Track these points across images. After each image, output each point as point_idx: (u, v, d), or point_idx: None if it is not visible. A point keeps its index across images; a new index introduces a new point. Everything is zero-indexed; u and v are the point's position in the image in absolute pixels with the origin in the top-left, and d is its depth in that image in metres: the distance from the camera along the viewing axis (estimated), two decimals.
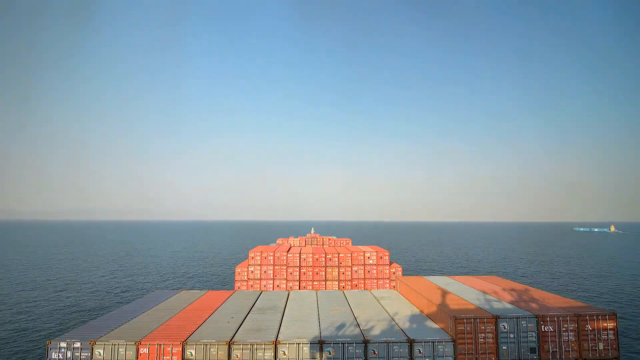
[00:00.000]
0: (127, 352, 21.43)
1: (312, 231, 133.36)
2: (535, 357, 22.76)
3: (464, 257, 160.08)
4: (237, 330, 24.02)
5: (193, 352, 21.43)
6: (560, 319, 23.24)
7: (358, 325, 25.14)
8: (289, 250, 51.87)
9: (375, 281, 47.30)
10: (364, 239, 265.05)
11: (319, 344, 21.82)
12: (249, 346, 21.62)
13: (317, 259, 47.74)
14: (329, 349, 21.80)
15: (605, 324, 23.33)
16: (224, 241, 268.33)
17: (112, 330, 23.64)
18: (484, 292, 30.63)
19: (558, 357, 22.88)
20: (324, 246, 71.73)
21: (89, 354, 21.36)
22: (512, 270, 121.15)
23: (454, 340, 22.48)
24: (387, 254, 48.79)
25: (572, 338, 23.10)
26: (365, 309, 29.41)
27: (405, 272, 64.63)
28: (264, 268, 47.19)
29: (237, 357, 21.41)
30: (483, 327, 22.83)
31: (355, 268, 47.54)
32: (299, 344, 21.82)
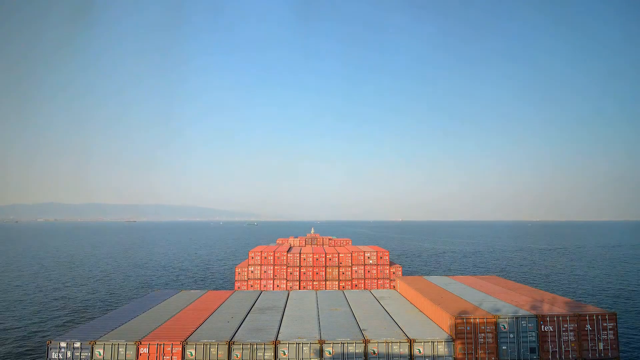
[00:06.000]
0: (127, 352, 21.44)
1: (312, 231, 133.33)
2: (535, 357, 22.78)
3: (464, 257, 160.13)
4: (237, 330, 24.04)
5: (193, 352, 21.45)
6: (560, 319, 23.25)
7: (358, 325, 25.15)
8: (289, 250, 51.91)
9: (375, 281, 47.34)
10: (364, 239, 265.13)
11: (319, 344, 21.83)
12: (249, 346, 21.63)
13: (317, 259, 47.77)
14: (329, 348, 21.81)
15: (605, 324, 23.33)
16: (224, 241, 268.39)
17: (112, 330, 23.65)
18: (484, 292, 30.64)
19: (558, 357, 22.89)
20: (324, 246, 71.76)
21: (89, 353, 21.37)
22: (512, 270, 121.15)
23: (454, 340, 22.50)
24: (387, 253, 48.82)
25: (572, 338, 23.11)
26: (365, 309, 29.42)
27: (405, 272, 64.66)
28: (264, 268, 47.23)
29: (237, 357, 21.43)
30: (483, 327, 22.84)
31: (355, 268, 47.57)
32: (299, 344, 21.83)
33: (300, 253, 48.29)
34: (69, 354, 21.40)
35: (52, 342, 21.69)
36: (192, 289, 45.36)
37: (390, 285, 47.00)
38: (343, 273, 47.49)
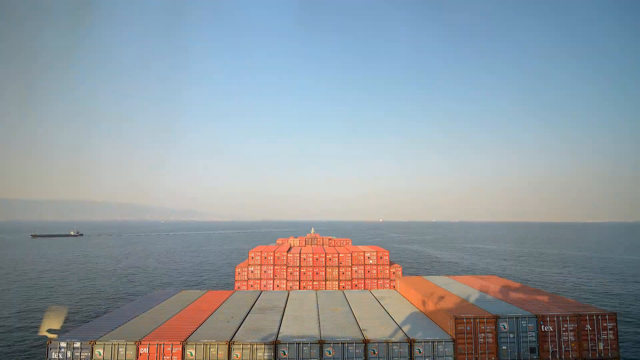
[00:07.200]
0: (127, 352, 21.42)
1: (312, 231, 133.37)
2: (535, 357, 22.75)
3: (464, 257, 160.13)
4: (237, 330, 24.01)
5: (193, 352, 21.43)
6: (560, 319, 23.23)
7: (358, 325, 25.12)
8: (289, 250, 51.90)
9: (375, 281, 47.33)
10: (364, 239, 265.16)
11: (318, 344, 21.81)
12: (249, 346, 21.61)
13: (317, 259, 47.75)
14: (328, 349, 21.79)
15: (605, 324, 23.31)
16: (224, 241, 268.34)
17: (112, 330, 23.62)
18: (484, 292, 30.63)
19: (558, 357, 22.87)
20: (324, 246, 71.76)
21: (89, 353, 21.34)
22: (512, 270, 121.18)
23: (454, 340, 22.47)
24: (387, 253, 48.80)
25: (572, 338, 23.09)
26: (365, 309, 29.40)
27: (405, 272, 64.70)
28: (264, 268, 47.21)
29: (237, 357, 21.41)
30: (483, 327, 22.82)
31: (355, 268, 47.55)
32: (299, 343, 21.82)
33: (300, 253, 48.27)
34: (69, 354, 21.37)
35: (52, 342, 21.65)
36: (192, 289, 45.35)
37: (390, 285, 46.98)
38: (343, 273, 47.47)
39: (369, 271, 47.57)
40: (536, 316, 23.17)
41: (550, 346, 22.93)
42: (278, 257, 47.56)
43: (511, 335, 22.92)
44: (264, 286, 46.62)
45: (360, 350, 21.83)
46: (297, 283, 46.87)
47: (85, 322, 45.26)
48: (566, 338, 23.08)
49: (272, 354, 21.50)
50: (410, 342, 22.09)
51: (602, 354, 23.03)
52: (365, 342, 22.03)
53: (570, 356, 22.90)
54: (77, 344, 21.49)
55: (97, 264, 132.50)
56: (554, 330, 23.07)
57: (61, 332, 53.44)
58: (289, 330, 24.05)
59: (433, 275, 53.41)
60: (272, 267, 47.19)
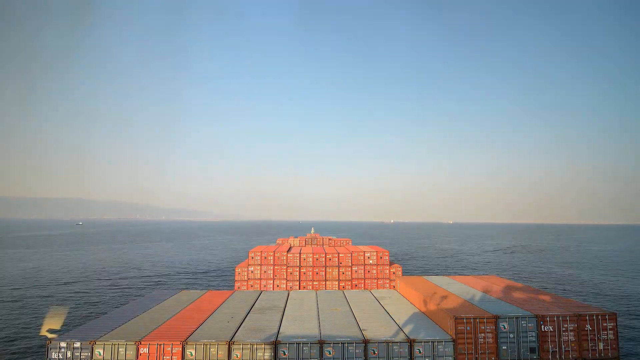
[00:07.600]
0: (127, 352, 21.45)
1: (312, 231, 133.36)
2: (535, 357, 22.78)
3: (464, 257, 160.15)
4: (237, 330, 24.05)
5: (193, 352, 21.45)
6: (560, 319, 23.25)
7: (358, 325, 25.15)
8: (289, 250, 51.90)
9: (375, 281, 47.34)
10: (364, 239, 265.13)
11: (318, 344, 21.83)
12: (249, 346, 21.63)
13: (317, 259, 47.76)
14: (328, 349, 21.81)
15: (605, 324, 23.34)
16: (224, 241, 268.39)
17: (112, 330, 23.65)
18: (484, 292, 30.65)
19: (558, 357, 22.89)
20: (324, 246, 71.80)
21: (89, 353, 21.37)
22: (512, 270, 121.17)
23: (454, 340, 22.50)
24: (387, 253, 48.81)
25: (572, 338, 23.11)
26: (365, 309, 29.42)
27: (405, 272, 64.63)
28: (264, 268, 47.23)
29: (237, 357, 21.43)
30: (483, 327, 22.84)
31: (355, 268, 47.56)
32: (299, 344, 21.84)
33: (300, 253, 48.28)
34: (69, 354, 21.39)
35: (52, 342, 21.68)
36: (192, 289, 45.37)
37: (390, 285, 46.99)
38: (343, 273, 47.48)
39: (369, 271, 47.58)
40: (536, 316, 23.19)
41: (550, 346, 22.95)
42: (278, 257, 47.57)
43: (511, 335, 22.94)
44: (264, 286, 46.64)
45: (360, 350, 21.85)
46: (297, 283, 46.89)
47: (85, 322, 45.26)
48: (566, 338, 23.11)
49: (272, 354, 21.52)
50: (410, 342, 22.11)
51: (602, 354, 23.05)
52: (365, 342, 22.05)
53: (570, 356, 22.93)
54: (77, 344, 21.51)
55: (96, 264, 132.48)
56: (554, 330, 23.10)
57: (61, 332, 53.45)
58: (289, 330, 24.08)
59: (433, 275, 53.42)
60: (272, 267, 47.20)
